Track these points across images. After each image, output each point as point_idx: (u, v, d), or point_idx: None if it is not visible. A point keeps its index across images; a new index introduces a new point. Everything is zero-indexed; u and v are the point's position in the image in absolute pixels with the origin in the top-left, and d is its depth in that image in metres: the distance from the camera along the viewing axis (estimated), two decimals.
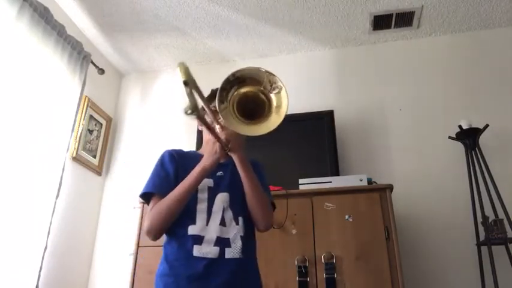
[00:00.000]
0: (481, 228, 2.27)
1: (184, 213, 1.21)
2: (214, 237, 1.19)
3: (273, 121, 1.07)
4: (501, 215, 2.20)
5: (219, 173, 1.31)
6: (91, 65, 2.83)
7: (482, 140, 2.45)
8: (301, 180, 2.27)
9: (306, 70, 3.13)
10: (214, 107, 1.10)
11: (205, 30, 2.95)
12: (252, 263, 1.28)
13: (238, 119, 1.09)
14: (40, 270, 2.19)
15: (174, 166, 1.28)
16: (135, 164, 3.09)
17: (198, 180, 1.19)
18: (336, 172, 2.48)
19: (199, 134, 2.82)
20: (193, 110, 0.88)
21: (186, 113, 0.88)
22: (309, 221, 2.09)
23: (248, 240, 1.25)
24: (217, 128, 1.21)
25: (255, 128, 1.09)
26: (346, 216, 2.06)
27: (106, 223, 2.95)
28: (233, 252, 1.20)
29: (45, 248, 2.25)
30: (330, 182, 2.24)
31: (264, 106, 1.10)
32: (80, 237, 2.77)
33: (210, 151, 1.20)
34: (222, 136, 1.18)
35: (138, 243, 2.22)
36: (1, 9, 2.08)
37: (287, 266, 2.01)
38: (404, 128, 2.78)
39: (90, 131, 2.95)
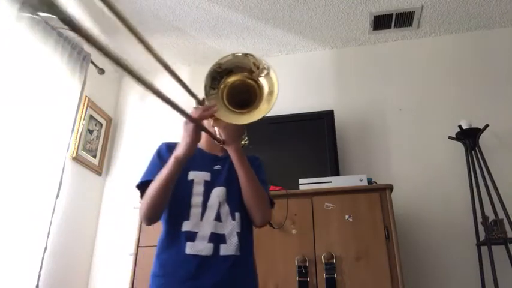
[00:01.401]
0: (481, 228, 2.27)
1: (178, 207, 1.17)
2: (208, 233, 1.14)
3: (264, 109, 1.02)
4: (501, 215, 2.20)
5: (217, 167, 1.26)
6: (91, 65, 2.83)
7: (482, 140, 2.45)
8: (301, 180, 2.27)
9: (306, 70, 3.13)
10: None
11: (205, 30, 2.95)
12: (248, 260, 1.23)
13: (228, 109, 1.04)
14: (40, 270, 2.19)
15: (170, 157, 1.22)
16: (135, 164, 3.09)
17: (173, 169, 1.10)
18: (336, 172, 2.48)
19: None
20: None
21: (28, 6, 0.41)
22: (309, 221, 2.09)
23: (245, 236, 1.21)
24: (206, 121, 1.15)
25: (244, 117, 1.03)
26: (346, 216, 2.06)
27: (106, 223, 2.95)
28: (229, 248, 1.15)
29: (45, 248, 2.25)
30: (330, 182, 2.25)
31: (255, 92, 1.05)
32: (80, 237, 2.77)
33: (182, 137, 1.10)
34: (196, 113, 1.07)
35: (138, 243, 2.23)
36: (1, 9, 2.08)
37: (287, 266, 2.00)
38: (404, 128, 2.78)
39: (90, 131, 2.95)
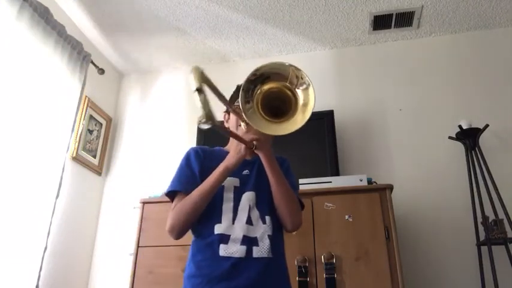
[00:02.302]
0: (481, 228, 2.27)
1: (211, 212, 1.19)
2: (240, 236, 1.16)
3: (299, 120, 1.03)
4: (501, 215, 2.20)
5: (245, 172, 1.28)
6: (91, 65, 2.83)
7: (482, 140, 2.45)
8: (301, 180, 2.27)
9: (306, 70, 3.09)
10: (238, 105, 1.08)
11: (205, 30, 2.95)
12: (281, 263, 1.25)
13: (264, 118, 1.05)
14: (40, 270, 2.19)
15: (199, 164, 1.25)
16: (135, 164, 3.09)
17: (220, 179, 1.16)
18: (336, 172, 2.47)
19: (199, 134, 2.81)
20: (208, 120, 0.81)
21: (200, 123, 0.82)
22: (309, 221, 2.09)
23: (276, 239, 1.22)
24: (243, 125, 1.19)
25: (280, 127, 1.05)
26: (346, 216, 2.06)
27: (106, 223, 2.95)
28: (261, 251, 1.17)
29: (45, 248, 2.25)
30: (330, 182, 2.24)
31: (290, 102, 1.06)
32: (80, 237, 2.77)
33: (234, 150, 1.17)
34: (248, 137, 1.15)
35: (138, 243, 2.22)
36: (1, 9, 2.08)
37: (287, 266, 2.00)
38: (404, 128, 2.78)
39: (90, 131, 2.95)
